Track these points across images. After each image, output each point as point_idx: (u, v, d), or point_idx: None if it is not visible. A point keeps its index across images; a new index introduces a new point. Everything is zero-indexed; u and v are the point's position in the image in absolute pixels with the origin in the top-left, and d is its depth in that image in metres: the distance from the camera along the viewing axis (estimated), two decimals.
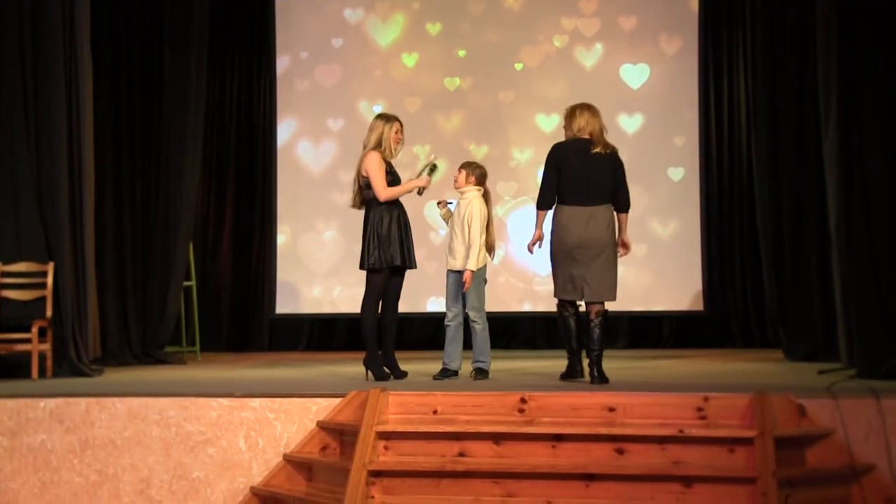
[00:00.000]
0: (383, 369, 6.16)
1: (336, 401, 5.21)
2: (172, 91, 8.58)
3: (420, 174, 6.36)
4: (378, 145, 6.23)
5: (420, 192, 6.42)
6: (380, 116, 6.36)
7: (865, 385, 5.02)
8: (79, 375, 6.82)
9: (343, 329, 10.21)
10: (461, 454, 4.78)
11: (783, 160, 7.65)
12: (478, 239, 6.11)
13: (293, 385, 5.95)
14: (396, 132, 6.26)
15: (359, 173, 6.24)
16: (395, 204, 6.22)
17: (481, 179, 6.28)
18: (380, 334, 6.19)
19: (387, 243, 6.12)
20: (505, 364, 7.23)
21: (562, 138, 6.15)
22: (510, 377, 6.26)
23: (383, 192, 6.14)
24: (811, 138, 7.30)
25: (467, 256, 6.11)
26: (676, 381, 5.81)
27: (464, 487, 4.66)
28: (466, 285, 6.09)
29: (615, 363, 7.58)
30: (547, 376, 6.20)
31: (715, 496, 4.38)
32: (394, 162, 6.35)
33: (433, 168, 6.36)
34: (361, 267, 6.21)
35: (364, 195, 6.24)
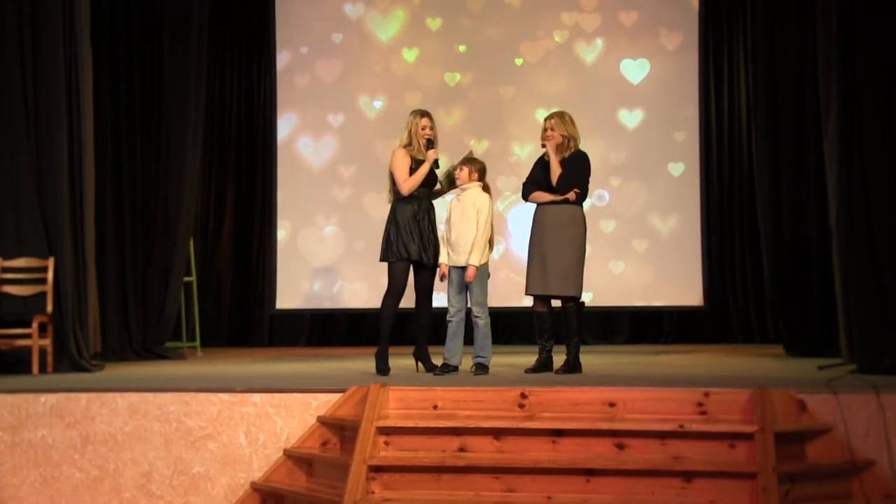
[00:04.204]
0: (385, 364, 6.21)
1: (336, 396, 5.21)
2: (172, 86, 8.58)
3: (449, 168, 6.38)
4: (408, 141, 6.34)
5: (437, 166, 6.36)
6: (413, 112, 6.47)
7: (866, 380, 5.03)
8: (79, 371, 6.82)
9: (343, 324, 10.23)
10: (461, 449, 4.78)
11: (783, 155, 7.64)
12: (485, 235, 6.13)
13: (294, 380, 5.95)
14: (423, 128, 6.31)
15: (389, 170, 6.38)
16: (416, 199, 6.27)
17: (482, 174, 6.31)
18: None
19: (400, 236, 6.21)
20: (505, 359, 7.23)
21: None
22: (511, 372, 6.26)
23: (404, 185, 6.25)
24: (812, 133, 7.30)
25: (471, 251, 6.11)
26: (677, 377, 5.81)
27: (464, 482, 4.66)
28: (470, 279, 6.10)
29: (615, 358, 7.60)
30: (547, 371, 6.19)
31: (715, 491, 4.38)
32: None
33: (430, 143, 6.33)
34: (380, 259, 6.33)
35: (393, 190, 6.37)
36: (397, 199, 6.30)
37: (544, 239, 6.13)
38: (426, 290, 6.38)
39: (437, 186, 6.44)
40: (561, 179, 6.08)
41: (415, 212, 6.26)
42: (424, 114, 6.40)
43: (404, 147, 6.35)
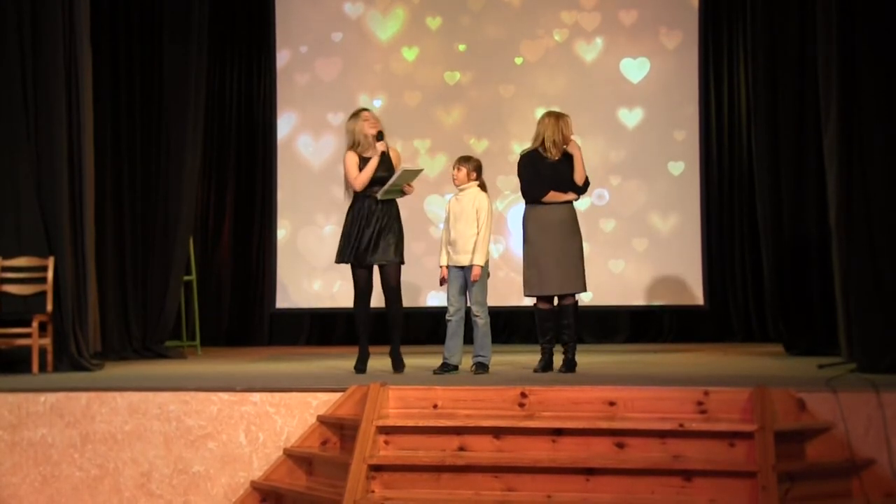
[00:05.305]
0: (361, 365, 6.28)
1: (336, 395, 5.21)
2: (172, 86, 8.59)
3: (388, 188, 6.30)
4: (352, 144, 6.34)
5: (383, 158, 6.27)
6: (350, 116, 6.45)
7: (865, 379, 5.03)
8: (79, 370, 6.83)
9: (343, 323, 10.21)
10: (461, 448, 4.79)
11: (783, 154, 7.64)
12: (488, 234, 6.13)
13: (293, 379, 5.95)
14: (364, 120, 6.32)
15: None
16: (364, 198, 6.27)
17: (479, 173, 6.30)
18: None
19: (343, 238, 6.32)
20: (505, 358, 7.24)
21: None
22: (510, 371, 6.26)
23: (355, 182, 6.27)
24: (812, 132, 7.29)
25: (474, 251, 6.11)
26: (676, 376, 5.81)
27: (464, 482, 4.66)
28: (476, 279, 6.10)
29: (615, 357, 7.60)
30: (550, 371, 6.19)
31: (715, 490, 4.38)
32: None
33: (380, 136, 6.31)
34: None
35: (346, 194, 6.42)
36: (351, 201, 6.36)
37: (557, 238, 6.11)
38: (390, 290, 6.29)
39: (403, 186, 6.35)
40: (587, 180, 6.17)
41: (358, 210, 6.28)
42: (361, 110, 6.43)
43: (351, 149, 6.35)
